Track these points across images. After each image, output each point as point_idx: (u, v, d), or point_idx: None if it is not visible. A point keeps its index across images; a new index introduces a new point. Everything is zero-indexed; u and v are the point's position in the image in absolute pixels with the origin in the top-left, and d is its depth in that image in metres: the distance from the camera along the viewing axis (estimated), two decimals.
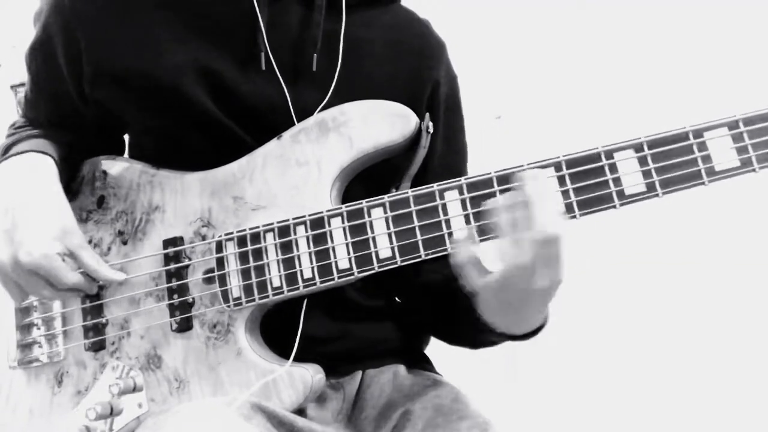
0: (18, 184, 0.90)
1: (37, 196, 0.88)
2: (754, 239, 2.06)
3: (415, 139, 0.86)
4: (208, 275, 0.87)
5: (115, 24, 0.91)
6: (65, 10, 0.92)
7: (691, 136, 0.72)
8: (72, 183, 0.98)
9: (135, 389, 0.88)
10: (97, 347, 0.91)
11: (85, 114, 0.97)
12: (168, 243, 0.90)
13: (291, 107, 0.90)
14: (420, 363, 1.02)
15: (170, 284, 0.88)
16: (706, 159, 0.72)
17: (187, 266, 0.88)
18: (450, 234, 0.79)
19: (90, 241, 0.94)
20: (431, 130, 0.87)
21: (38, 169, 0.92)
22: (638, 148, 0.74)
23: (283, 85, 0.90)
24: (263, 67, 0.90)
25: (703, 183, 0.71)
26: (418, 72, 0.98)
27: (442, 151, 0.99)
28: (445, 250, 0.79)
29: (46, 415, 0.92)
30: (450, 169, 0.96)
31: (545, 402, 2.14)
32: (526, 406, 2.14)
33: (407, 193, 0.81)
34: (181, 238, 0.89)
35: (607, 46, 2.29)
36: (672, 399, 2.09)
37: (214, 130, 0.90)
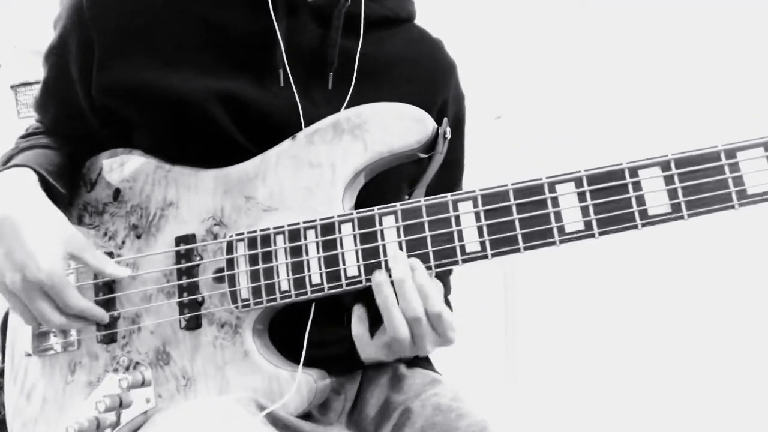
0: (3, 203, 0.78)
1: (26, 211, 0.77)
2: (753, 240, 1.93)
3: (431, 144, 0.75)
4: (218, 275, 0.77)
5: (132, 37, 0.81)
6: (83, 16, 0.82)
7: (723, 156, 0.60)
8: (88, 176, 0.88)
9: (143, 384, 0.78)
10: (108, 340, 0.81)
11: (91, 118, 0.87)
12: (180, 240, 0.80)
13: (303, 125, 0.80)
14: (419, 362, 0.93)
15: (180, 282, 0.78)
16: (738, 181, 0.60)
17: (198, 265, 0.78)
18: (462, 247, 0.68)
19: (105, 233, 0.85)
20: (449, 135, 0.76)
21: (19, 184, 0.81)
22: (665, 166, 0.62)
23: (299, 102, 0.81)
24: (281, 84, 0.81)
25: (732, 206, 0.59)
26: (427, 92, 0.89)
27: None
28: (456, 262, 0.68)
29: (58, 403, 0.83)
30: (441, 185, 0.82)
31: (544, 402, 2.04)
32: (524, 405, 2.04)
33: (420, 201, 0.70)
34: (194, 236, 0.79)
35: (607, 46, 2.14)
36: (671, 399, 1.98)
37: (227, 144, 0.81)
